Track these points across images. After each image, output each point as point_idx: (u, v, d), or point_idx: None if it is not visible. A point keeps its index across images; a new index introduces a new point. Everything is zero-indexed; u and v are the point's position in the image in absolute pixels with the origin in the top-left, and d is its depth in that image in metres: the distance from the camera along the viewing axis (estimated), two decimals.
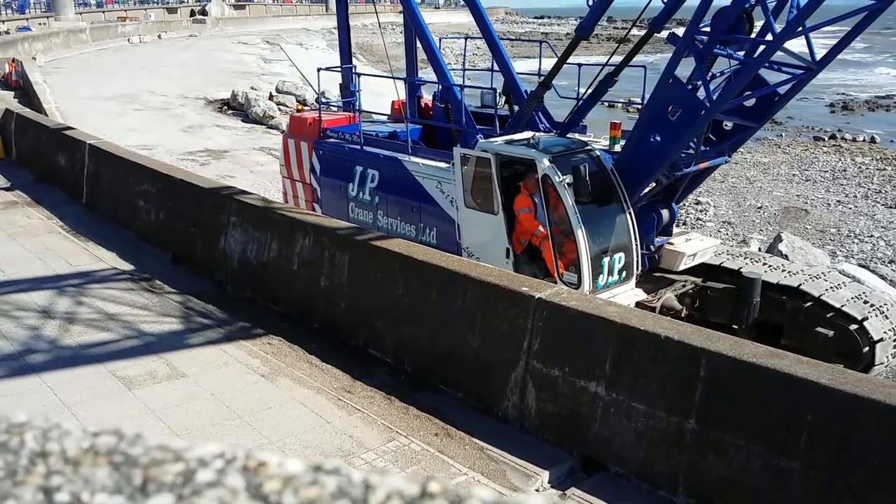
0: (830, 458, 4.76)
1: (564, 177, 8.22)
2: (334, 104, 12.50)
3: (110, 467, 0.66)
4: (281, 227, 8.72)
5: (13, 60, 28.09)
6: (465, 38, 13.48)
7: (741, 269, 9.25)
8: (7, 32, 38.26)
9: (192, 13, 63.55)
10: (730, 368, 5.20)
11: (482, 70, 13.36)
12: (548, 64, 10.15)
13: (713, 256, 9.69)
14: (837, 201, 19.72)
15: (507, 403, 6.42)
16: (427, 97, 12.55)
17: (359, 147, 10.69)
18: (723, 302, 9.11)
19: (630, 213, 8.59)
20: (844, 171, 23.04)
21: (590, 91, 9.64)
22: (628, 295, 8.48)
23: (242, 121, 25.59)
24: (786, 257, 12.69)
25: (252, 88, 29.26)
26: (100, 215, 12.12)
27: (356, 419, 6.42)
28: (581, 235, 8.20)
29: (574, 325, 6.06)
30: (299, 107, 13.62)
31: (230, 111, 26.92)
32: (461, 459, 5.90)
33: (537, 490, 5.62)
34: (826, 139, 28.07)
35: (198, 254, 9.90)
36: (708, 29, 7.81)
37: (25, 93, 24.89)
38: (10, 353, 7.41)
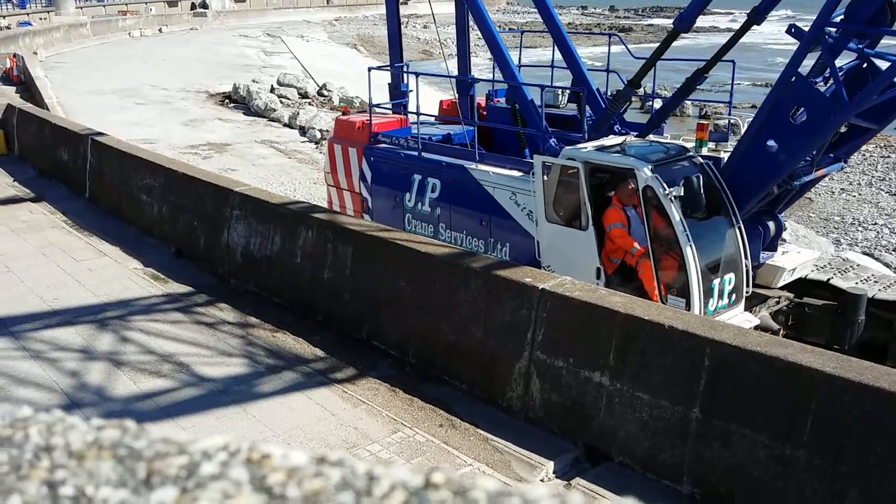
0: (835, 446, 4.76)
1: (671, 189, 7.36)
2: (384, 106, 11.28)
3: (114, 461, 0.66)
4: (284, 221, 8.72)
5: (14, 55, 28.11)
6: (522, 32, 12.40)
7: (831, 280, 8.56)
8: (8, 27, 38.25)
9: (193, 6, 63.42)
10: (734, 357, 5.20)
11: (539, 66, 12.18)
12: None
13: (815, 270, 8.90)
14: (841, 189, 19.66)
15: (512, 394, 6.43)
16: (478, 96, 11.47)
17: (416, 153, 9.78)
18: (822, 320, 8.29)
19: (740, 228, 7.75)
20: None
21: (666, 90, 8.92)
22: (739, 321, 7.39)
23: (244, 114, 25.57)
24: None
25: (253, 81, 29.21)
26: (103, 210, 12.14)
27: (361, 411, 6.43)
28: (691, 255, 7.33)
29: (578, 316, 6.05)
30: (345, 109, 12.66)
31: (232, 104, 26.89)
32: (466, 450, 5.91)
33: (542, 480, 5.64)
34: None
35: (201, 247, 9.91)
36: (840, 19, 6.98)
37: (27, 88, 24.91)
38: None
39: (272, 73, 32.96)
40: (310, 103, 27.40)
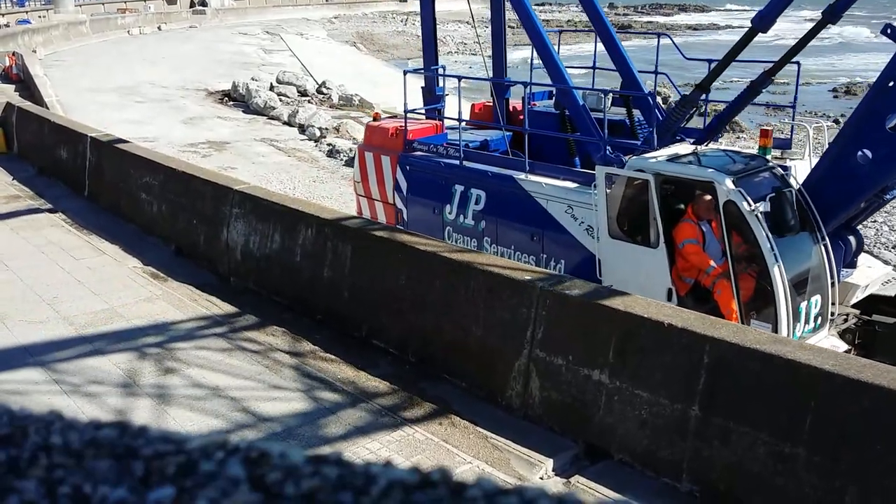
0: (835, 444, 4.77)
1: (757, 204, 6.79)
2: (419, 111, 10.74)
3: (112, 459, 0.66)
4: (283, 219, 8.72)
5: (13, 54, 28.11)
6: (559, 32, 11.71)
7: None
8: (7, 26, 38.23)
9: (192, 4, 63.37)
10: (733, 355, 5.20)
11: (581, 67, 11.56)
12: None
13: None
14: None
15: (511, 392, 6.43)
16: (512, 99, 11.00)
17: (457, 162, 9.18)
18: (894, 338, 7.82)
19: (826, 246, 7.20)
20: None
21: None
22: (825, 346, 6.68)
23: (243, 112, 25.55)
24: None
25: (253, 79, 29.18)
26: (102, 208, 12.14)
27: (360, 409, 6.44)
28: (779, 276, 6.77)
29: (577, 314, 6.06)
30: (376, 114, 12.20)
31: (231, 102, 26.87)
32: (465, 448, 5.91)
33: (541, 478, 5.64)
34: (831, 123, 27.97)
35: (201, 245, 9.91)
36: None
37: (26, 86, 24.90)
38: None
39: (271, 70, 32.92)
40: (309, 101, 27.38)
